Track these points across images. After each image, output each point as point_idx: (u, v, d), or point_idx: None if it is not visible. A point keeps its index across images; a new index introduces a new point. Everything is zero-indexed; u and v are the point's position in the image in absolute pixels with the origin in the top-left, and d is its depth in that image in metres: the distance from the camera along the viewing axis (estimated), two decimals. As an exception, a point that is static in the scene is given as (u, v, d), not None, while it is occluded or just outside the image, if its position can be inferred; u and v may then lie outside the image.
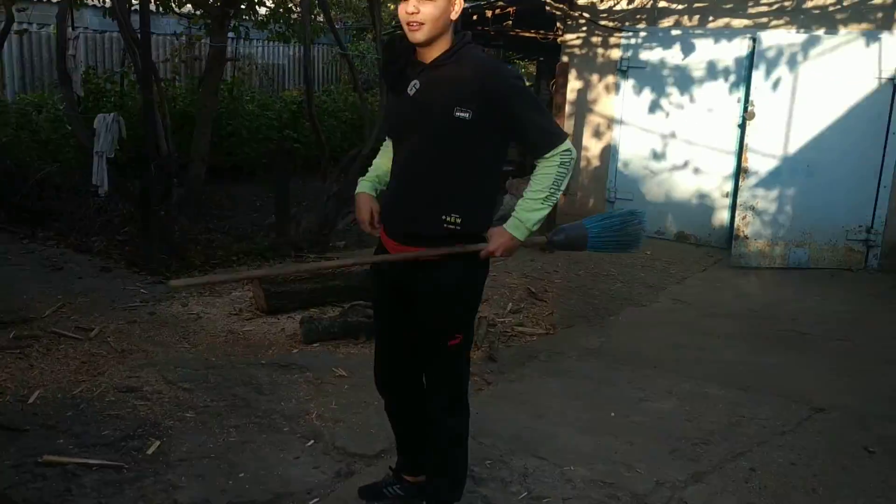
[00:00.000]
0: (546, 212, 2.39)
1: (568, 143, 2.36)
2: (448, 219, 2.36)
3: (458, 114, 2.30)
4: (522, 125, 2.34)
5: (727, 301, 5.94)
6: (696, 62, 7.33)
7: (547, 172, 2.35)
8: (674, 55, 7.46)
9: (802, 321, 5.45)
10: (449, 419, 2.60)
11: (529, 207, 2.37)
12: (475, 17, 8.09)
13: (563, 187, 2.38)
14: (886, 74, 6.49)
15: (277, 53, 15.18)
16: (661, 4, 7.48)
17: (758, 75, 6.60)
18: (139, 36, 5.32)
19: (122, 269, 5.71)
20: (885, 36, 6.49)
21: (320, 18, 8.98)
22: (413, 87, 2.38)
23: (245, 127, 9.64)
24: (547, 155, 2.35)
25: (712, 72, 7.27)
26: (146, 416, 3.49)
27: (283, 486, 2.99)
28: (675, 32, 7.45)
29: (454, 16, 2.32)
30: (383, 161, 2.64)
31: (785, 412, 3.89)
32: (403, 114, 2.44)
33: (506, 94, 2.31)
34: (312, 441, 3.38)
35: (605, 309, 5.57)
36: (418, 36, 2.29)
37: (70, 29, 6.23)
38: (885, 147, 6.63)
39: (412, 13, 2.26)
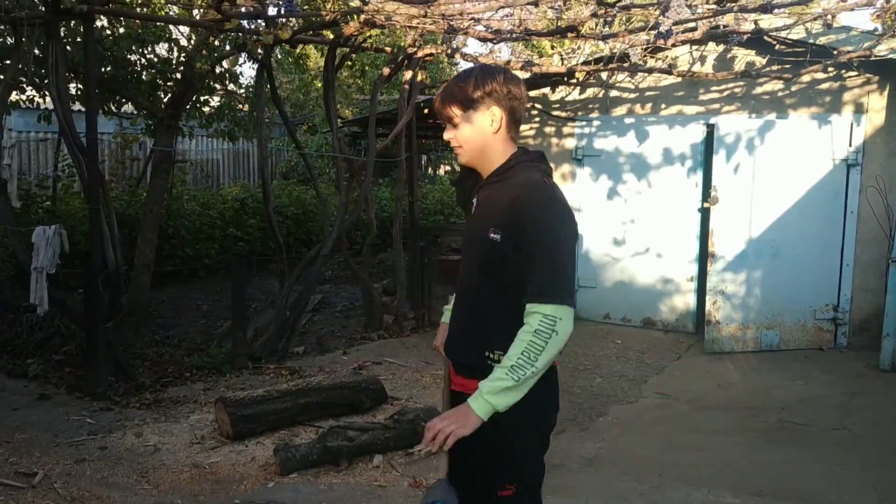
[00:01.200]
0: (516, 391, 1.96)
1: (555, 310, 1.95)
2: (491, 355, 2.08)
3: (491, 235, 2.08)
4: (529, 258, 2.01)
5: (711, 392, 5.74)
6: (652, 149, 7.36)
7: (520, 337, 1.98)
8: (629, 143, 7.48)
9: (793, 410, 5.28)
10: None
11: (494, 377, 1.98)
12: (426, 111, 8.01)
13: (539, 363, 1.94)
14: (840, 156, 6.61)
15: (211, 148, 14.90)
16: (613, 94, 7.54)
17: (718, 160, 6.63)
18: (84, 142, 4.96)
19: (64, 395, 5.16)
20: (834, 118, 6.64)
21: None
22: (473, 206, 2.22)
23: (185, 227, 9.23)
24: (527, 307, 1.99)
25: (668, 157, 7.30)
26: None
27: None
28: (628, 120, 7.50)
29: (495, 131, 2.11)
30: None
31: (809, 520, 3.65)
32: (466, 234, 2.29)
33: (525, 218, 2.03)
34: None
35: (592, 409, 5.29)
36: (462, 159, 2.17)
37: (6, 135, 5.81)
38: (844, 226, 6.69)
39: (450, 139, 2.15)
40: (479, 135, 2.12)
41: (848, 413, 5.23)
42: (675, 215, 7.31)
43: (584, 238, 7.70)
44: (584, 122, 7.70)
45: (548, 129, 7.87)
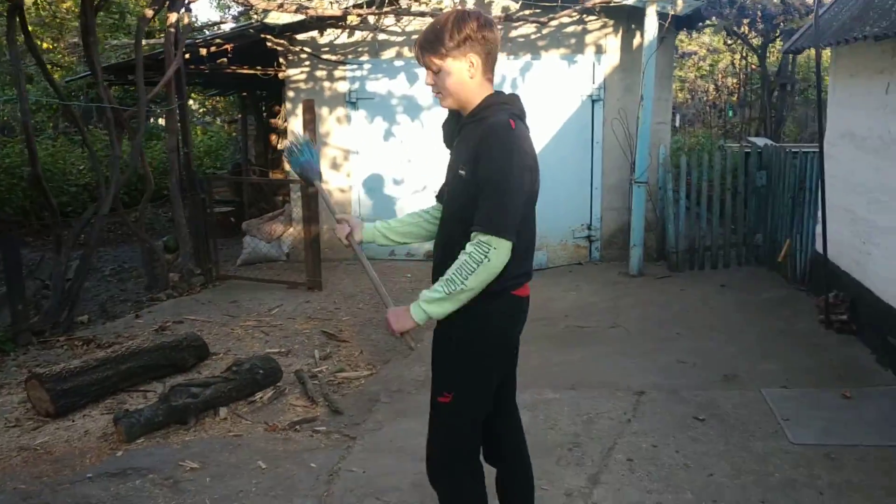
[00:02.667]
0: (448, 302, 2.18)
1: (492, 240, 2.14)
2: None
3: (460, 171, 2.27)
4: (481, 191, 2.18)
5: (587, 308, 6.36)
6: (422, 90, 7.72)
7: (460, 257, 2.19)
8: (400, 85, 7.77)
9: (574, 316, 6.06)
10: (435, 483, 2.47)
11: (431, 289, 2.23)
12: (188, 56, 7.60)
13: (469, 283, 2.14)
14: (585, 92, 7.49)
15: None
16: (382, 37, 7.74)
17: (488, 99, 7.16)
18: None
19: None
20: (579, 58, 7.48)
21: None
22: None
23: None
24: (472, 235, 2.19)
25: (436, 98, 7.70)
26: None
27: None
28: (398, 63, 7.77)
29: (471, 76, 2.25)
30: (405, 217, 2.64)
31: (618, 402, 4.32)
32: (447, 172, 2.42)
33: (483, 154, 2.19)
34: None
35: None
36: (443, 104, 2.33)
37: None
38: (591, 155, 7.63)
39: (430, 84, 2.32)
40: (458, 81, 2.25)
41: (617, 314, 6.12)
42: (446, 154, 7.76)
43: (364, 179, 7.93)
44: (355, 66, 7.82)
45: (318, 73, 7.89)
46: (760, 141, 9.25)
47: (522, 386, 4.57)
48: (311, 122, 6.69)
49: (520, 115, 2.30)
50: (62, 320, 5.81)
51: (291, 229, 8.19)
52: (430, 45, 2.25)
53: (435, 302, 2.21)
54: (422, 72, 7.58)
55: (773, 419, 4.02)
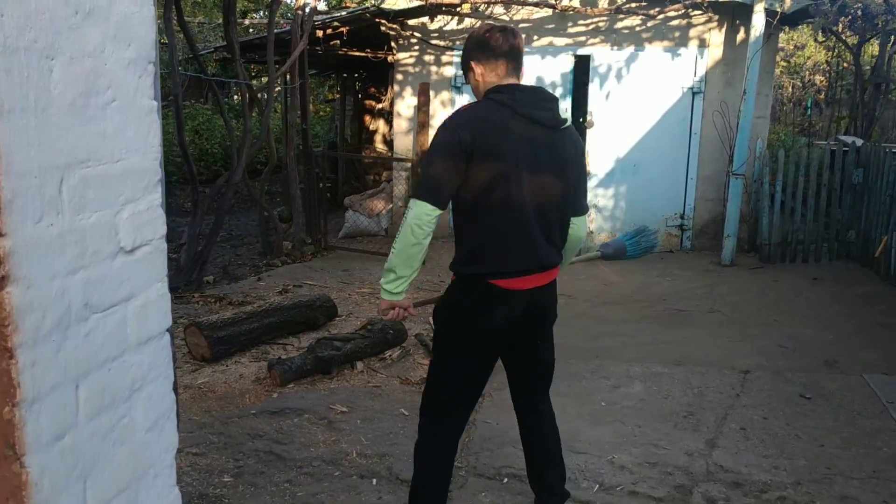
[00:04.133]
0: (385, 271, 2.46)
1: (414, 204, 2.34)
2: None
3: None
4: None
5: (602, 290, 6.66)
6: (526, 77, 7.98)
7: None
8: (504, 71, 8.06)
9: (673, 300, 6.32)
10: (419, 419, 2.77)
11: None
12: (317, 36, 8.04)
13: (396, 246, 2.38)
14: (686, 84, 7.68)
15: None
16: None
17: (593, 87, 7.44)
18: None
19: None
20: (682, 51, 7.67)
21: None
22: None
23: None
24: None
25: (541, 85, 7.99)
26: (185, 490, 3.19)
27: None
28: (503, 50, 8.05)
29: (480, 84, 2.57)
30: None
31: (725, 378, 4.58)
32: None
33: None
34: (376, 480, 3.34)
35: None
36: None
37: None
38: (689, 146, 7.83)
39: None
40: (475, 88, 2.61)
41: (714, 300, 6.35)
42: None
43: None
44: (461, 51, 8.14)
45: (427, 58, 8.25)
46: (850, 139, 9.28)
47: (630, 360, 4.90)
48: (425, 104, 7.06)
49: (503, 101, 2.42)
50: (193, 279, 6.32)
51: (391, 205, 8.60)
52: (461, 63, 2.67)
53: (383, 275, 2.53)
54: (526, 59, 7.86)
55: (877, 401, 4.23)
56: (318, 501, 3.14)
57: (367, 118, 11.34)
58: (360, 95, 11.77)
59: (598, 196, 7.63)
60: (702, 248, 8.01)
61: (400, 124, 8.22)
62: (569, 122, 2.54)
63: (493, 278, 2.46)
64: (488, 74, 2.55)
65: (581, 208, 2.66)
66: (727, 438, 3.79)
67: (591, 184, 7.61)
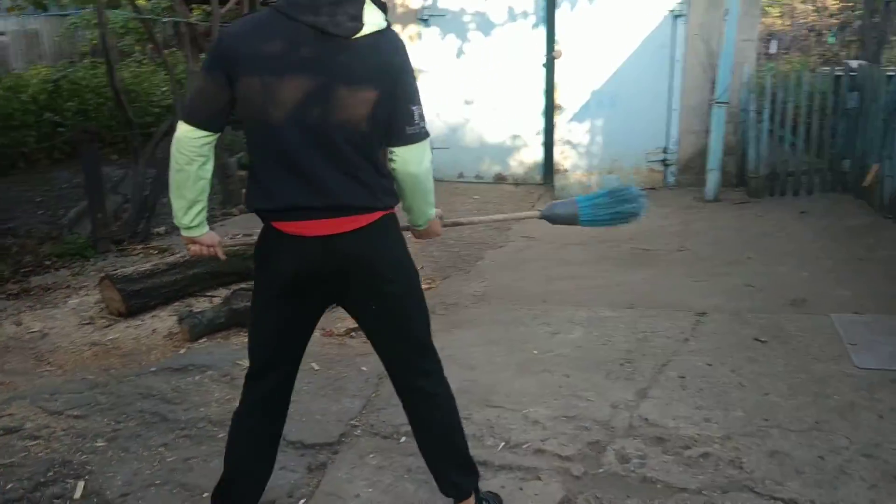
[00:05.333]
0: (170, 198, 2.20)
1: (178, 125, 2.10)
2: None
3: None
4: None
5: (568, 231, 6.22)
6: (496, 6, 7.51)
7: None
8: (473, 1, 7.57)
9: (640, 240, 5.90)
10: None
11: None
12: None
13: (172, 177, 2.12)
14: (668, 7, 7.11)
15: (-5, 28, 13.28)
16: (455, -50, 7.53)
17: (561, 14, 6.92)
18: None
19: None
20: (663, -29, 7.09)
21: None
22: None
23: (-8, 113, 8.34)
24: None
25: (512, 14, 7.50)
26: (50, 457, 2.95)
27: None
28: (471, -22, 7.55)
29: None
30: None
31: (676, 321, 4.22)
32: None
33: None
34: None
35: (469, 255, 5.64)
36: None
37: None
38: (671, 75, 7.30)
39: None
40: None
41: (686, 237, 5.94)
42: (521, 71, 7.60)
43: (435, 100, 7.84)
44: (428, -19, 7.66)
45: (391, -10, 7.76)
46: (856, 63, 8.63)
47: (579, 304, 4.56)
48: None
49: (279, 6, 2.03)
50: (139, 230, 6.06)
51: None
52: None
53: None
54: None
55: (839, 343, 3.84)
56: (187, 467, 2.88)
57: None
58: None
59: (571, 132, 7.17)
60: (687, 184, 7.54)
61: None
62: (375, 29, 2.06)
63: (272, 219, 2.11)
64: None
65: (401, 136, 2.10)
66: (661, 388, 3.45)
67: (562, 117, 7.15)
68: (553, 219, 2.73)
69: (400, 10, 7.75)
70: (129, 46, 13.16)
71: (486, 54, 7.65)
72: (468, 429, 3.08)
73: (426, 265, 5.38)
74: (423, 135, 2.14)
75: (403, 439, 3.06)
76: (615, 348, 3.90)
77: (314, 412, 3.28)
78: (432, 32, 7.74)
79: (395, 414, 3.25)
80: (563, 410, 3.26)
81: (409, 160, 2.14)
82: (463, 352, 3.88)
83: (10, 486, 2.75)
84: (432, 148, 7.52)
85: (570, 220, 2.72)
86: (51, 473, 2.84)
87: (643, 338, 4.02)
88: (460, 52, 7.71)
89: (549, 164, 7.61)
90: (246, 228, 6.27)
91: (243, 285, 4.42)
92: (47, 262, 5.38)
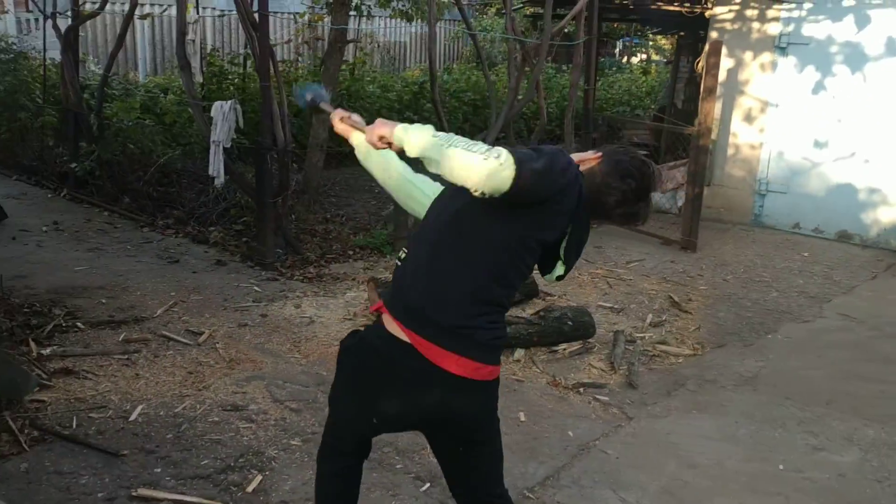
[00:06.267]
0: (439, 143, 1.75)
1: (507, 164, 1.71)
2: None
3: None
4: None
5: (905, 318, 5.09)
6: (872, 37, 6.37)
7: None
8: (844, 29, 6.51)
9: None
10: None
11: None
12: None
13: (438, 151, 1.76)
14: None
15: (399, 31, 14.91)
16: (832, -29, 6.54)
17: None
18: (258, 18, 5.04)
19: (237, 263, 5.50)
20: None
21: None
22: None
23: (365, 109, 9.37)
24: None
25: (892, 48, 6.29)
26: (249, 443, 3.18)
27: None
28: (847, 3, 6.49)
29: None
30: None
31: None
32: None
33: None
34: (428, 485, 2.96)
35: (761, 324, 4.87)
36: None
37: (193, 12, 6.06)
38: None
39: None
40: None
41: None
42: (891, 115, 6.36)
43: (780, 137, 6.94)
44: (793, 5, 6.77)
45: (749, 13, 7.01)
46: None
47: (873, 418, 3.65)
48: (715, 66, 6.02)
49: None
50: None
51: (690, 182, 7.62)
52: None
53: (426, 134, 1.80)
54: (876, 14, 6.25)
55: None
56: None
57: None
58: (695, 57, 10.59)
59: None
60: None
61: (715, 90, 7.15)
62: None
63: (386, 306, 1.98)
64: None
65: None
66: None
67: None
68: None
69: (755, 35, 6.98)
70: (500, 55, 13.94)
71: (850, 92, 6.53)
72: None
73: (704, 327, 4.78)
74: None
75: (568, 531, 2.72)
76: (892, 492, 3.03)
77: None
78: (788, 63, 6.83)
79: (577, 497, 2.91)
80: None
81: None
82: (691, 443, 3.35)
83: (205, 461, 3.03)
84: (769, 191, 6.61)
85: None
86: (242, 460, 3.06)
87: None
88: (819, 87, 6.69)
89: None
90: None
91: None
92: (350, 252, 5.89)
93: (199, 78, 6.35)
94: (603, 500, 2.90)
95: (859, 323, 4.98)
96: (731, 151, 7.26)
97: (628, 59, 18.17)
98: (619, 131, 10.76)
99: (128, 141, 6.90)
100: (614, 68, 15.55)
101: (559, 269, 1.99)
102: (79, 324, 4.23)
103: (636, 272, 5.76)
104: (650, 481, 3.03)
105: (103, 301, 4.61)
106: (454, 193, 1.89)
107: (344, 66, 9.78)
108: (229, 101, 5.35)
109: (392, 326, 1.94)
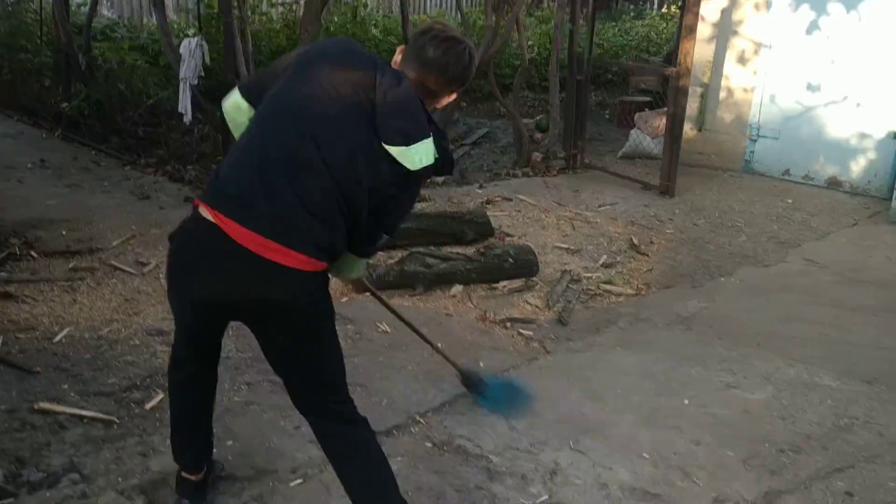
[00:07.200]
0: None
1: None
2: None
3: None
4: None
5: (875, 265, 4.96)
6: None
7: None
8: (841, -34, 6.23)
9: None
10: None
11: None
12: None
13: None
14: None
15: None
16: None
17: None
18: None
19: (207, 200, 5.57)
20: None
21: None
22: None
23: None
24: None
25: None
26: (162, 365, 3.26)
27: (269, 463, 2.66)
28: (843, -62, 6.20)
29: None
30: None
31: (914, 418, 3.09)
32: None
33: None
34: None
35: (718, 268, 4.79)
36: None
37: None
38: None
39: None
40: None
41: None
42: (885, 58, 6.09)
43: (773, 80, 6.72)
44: (789, -59, 6.48)
45: (743, -52, 6.75)
46: None
47: (799, 359, 3.61)
48: (695, 3, 5.82)
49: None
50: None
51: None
52: None
53: None
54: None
55: None
56: (245, 411, 2.97)
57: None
58: None
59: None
60: None
61: (701, 29, 6.92)
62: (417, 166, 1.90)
63: (202, 200, 1.90)
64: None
65: (363, 245, 2.11)
66: (805, 500, 2.57)
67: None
68: (465, 380, 2.97)
69: (750, -28, 6.72)
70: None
71: (845, 33, 6.27)
72: (524, 467, 2.68)
73: (658, 269, 4.72)
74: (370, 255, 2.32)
75: (446, 455, 2.76)
76: (792, 429, 3.00)
77: (395, 392, 3.12)
78: (783, 2, 6.57)
79: (465, 423, 2.94)
80: (648, 484, 2.62)
81: (353, 266, 2.24)
82: (604, 377, 3.34)
83: (112, 380, 3.12)
84: (760, 137, 6.52)
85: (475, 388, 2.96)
86: (149, 380, 3.14)
87: (844, 426, 3.03)
88: (813, 28, 6.43)
89: (901, 174, 6.08)
90: (511, 193, 6.18)
91: (423, 249, 4.34)
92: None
93: (172, 16, 6.36)
94: (491, 425, 2.92)
95: (822, 268, 4.86)
96: (723, 95, 7.07)
97: (668, 8, 17.54)
98: (626, 77, 10.52)
99: (118, 82, 6.98)
100: (630, 14, 15.11)
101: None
102: (33, 253, 4.35)
103: (605, 215, 5.69)
104: (547, 411, 3.04)
105: (63, 233, 4.72)
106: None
107: (345, 9, 9.72)
108: (195, 38, 5.37)
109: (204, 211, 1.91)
